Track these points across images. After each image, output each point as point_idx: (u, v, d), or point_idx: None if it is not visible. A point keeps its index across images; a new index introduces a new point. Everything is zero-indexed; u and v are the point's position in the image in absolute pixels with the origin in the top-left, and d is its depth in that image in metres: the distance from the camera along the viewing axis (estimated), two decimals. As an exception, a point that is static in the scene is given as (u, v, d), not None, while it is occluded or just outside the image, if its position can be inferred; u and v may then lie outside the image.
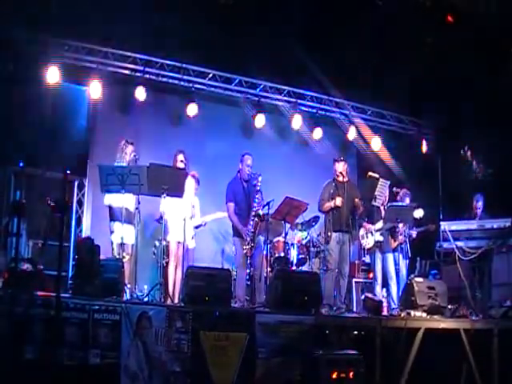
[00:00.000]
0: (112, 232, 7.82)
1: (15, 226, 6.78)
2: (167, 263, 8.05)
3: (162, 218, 7.72)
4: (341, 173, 8.48)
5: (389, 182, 8.87)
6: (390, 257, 8.78)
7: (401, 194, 9.17)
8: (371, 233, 8.87)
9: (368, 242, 8.93)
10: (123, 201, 7.39)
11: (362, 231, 9.03)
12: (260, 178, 8.15)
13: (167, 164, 7.92)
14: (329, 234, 8.31)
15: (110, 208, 7.84)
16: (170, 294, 7.47)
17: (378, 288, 8.71)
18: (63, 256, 7.31)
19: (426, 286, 8.15)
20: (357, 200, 8.42)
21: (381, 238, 8.81)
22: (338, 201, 8.27)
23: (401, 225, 8.72)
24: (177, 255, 8.02)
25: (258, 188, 8.14)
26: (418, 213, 9.02)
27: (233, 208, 8.20)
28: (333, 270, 8.24)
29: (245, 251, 7.99)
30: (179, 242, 8.02)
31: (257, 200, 8.07)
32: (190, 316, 6.18)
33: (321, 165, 10.17)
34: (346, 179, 8.50)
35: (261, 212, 8.01)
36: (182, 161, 8.14)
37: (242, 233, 8.07)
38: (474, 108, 9.74)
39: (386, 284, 8.82)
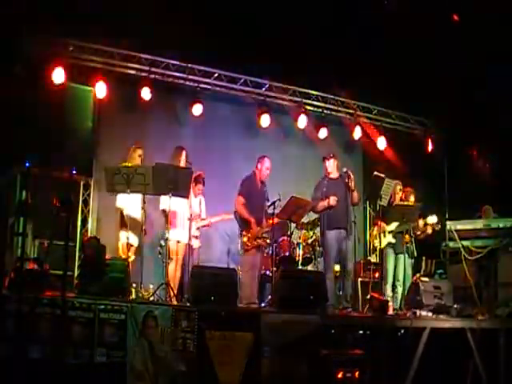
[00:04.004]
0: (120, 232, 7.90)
1: (21, 226, 6.82)
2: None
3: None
4: (345, 171, 8.44)
5: (394, 182, 8.85)
6: (402, 257, 8.75)
7: (405, 193, 9.15)
8: (383, 233, 8.82)
9: (380, 243, 8.89)
10: (128, 208, 7.61)
11: (375, 231, 9.00)
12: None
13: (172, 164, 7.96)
14: (324, 232, 8.27)
15: (121, 214, 7.92)
16: (172, 293, 7.45)
17: (387, 287, 8.68)
18: (69, 256, 7.31)
19: (432, 286, 8.15)
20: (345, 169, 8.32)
21: (393, 240, 8.79)
22: (332, 200, 8.18)
23: (412, 225, 8.68)
24: (177, 254, 8.06)
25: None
26: (432, 219, 8.92)
27: (242, 202, 8.21)
28: (331, 270, 8.21)
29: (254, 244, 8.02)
30: (179, 242, 8.07)
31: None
32: (195, 315, 6.19)
33: (326, 164, 10.17)
34: (337, 176, 8.47)
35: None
36: (187, 161, 8.18)
37: (250, 223, 8.07)
38: (479, 107, 9.71)
39: (393, 284, 8.80)
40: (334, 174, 8.47)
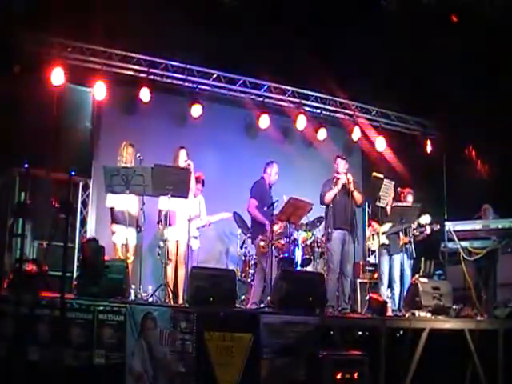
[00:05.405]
0: (113, 233, 7.87)
1: (20, 227, 6.81)
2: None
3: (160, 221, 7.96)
4: (344, 172, 8.45)
5: (393, 183, 8.86)
6: (397, 258, 8.76)
7: (404, 194, 9.16)
8: (377, 234, 8.83)
9: (373, 244, 8.90)
10: (126, 204, 7.52)
11: (368, 232, 9.00)
12: None
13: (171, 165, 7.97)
14: (329, 231, 8.28)
15: (112, 211, 7.90)
16: (171, 294, 7.46)
17: (382, 289, 8.70)
18: (68, 257, 7.32)
19: (431, 287, 8.13)
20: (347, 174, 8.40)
21: (386, 241, 8.79)
22: (343, 177, 8.25)
23: (410, 226, 8.68)
24: (177, 255, 8.05)
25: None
26: (425, 219, 8.95)
27: (256, 204, 8.32)
28: (335, 271, 8.23)
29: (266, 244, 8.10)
30: (178, 241, 8.06)
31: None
32: (194, 317, 6.19)
33: (325, 165, 10.16)
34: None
35: None
36: (185, 160, 8.16)
37: (265, 225, 8.18)
38: (478, 108, 9.71)
39: (390, 285, 8.81)
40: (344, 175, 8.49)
